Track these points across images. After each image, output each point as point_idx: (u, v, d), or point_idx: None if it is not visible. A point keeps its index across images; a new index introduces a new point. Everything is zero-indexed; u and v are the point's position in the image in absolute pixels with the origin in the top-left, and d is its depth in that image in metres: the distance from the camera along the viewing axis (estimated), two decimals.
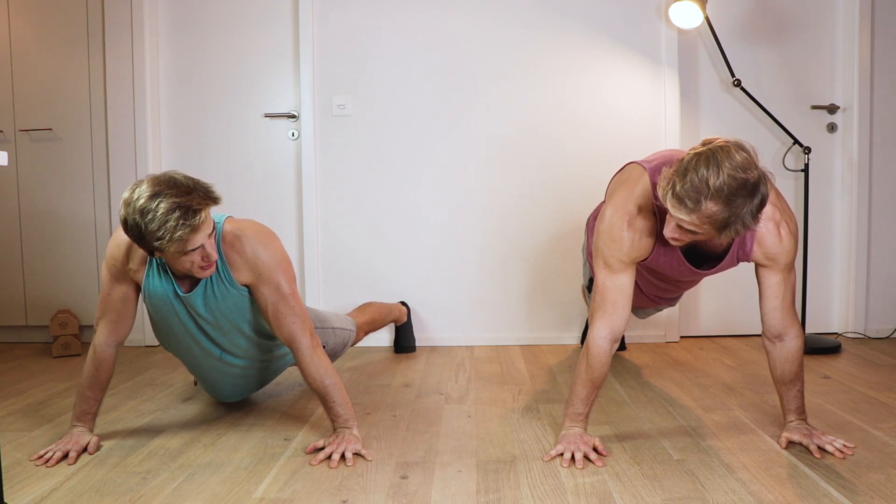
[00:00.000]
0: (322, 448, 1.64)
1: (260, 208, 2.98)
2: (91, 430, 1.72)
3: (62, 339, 2.78)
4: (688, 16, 2.70)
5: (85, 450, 1.66)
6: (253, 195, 2.98)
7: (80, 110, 2.95)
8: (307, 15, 2.87)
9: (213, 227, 1.55)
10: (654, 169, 1.56)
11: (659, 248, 1.60)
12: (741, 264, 1.83)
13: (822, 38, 2.96)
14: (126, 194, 1.46)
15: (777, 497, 1.37)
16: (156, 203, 1.41)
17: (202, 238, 1.50)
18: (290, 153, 2.97)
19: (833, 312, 3.03)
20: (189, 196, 1.44)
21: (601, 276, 1.61)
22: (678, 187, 1.29)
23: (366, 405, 2.06)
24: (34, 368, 2.58)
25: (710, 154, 1.30)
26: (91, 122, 2.95)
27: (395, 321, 2.76)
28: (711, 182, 1.26)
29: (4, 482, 1.49)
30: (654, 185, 1.53)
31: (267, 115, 2.96)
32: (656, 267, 1.68)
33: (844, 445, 1.59)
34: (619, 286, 1.59)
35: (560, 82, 2.90)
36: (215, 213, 1.66)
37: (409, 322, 2.83)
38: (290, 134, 2.96)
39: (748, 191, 1.30)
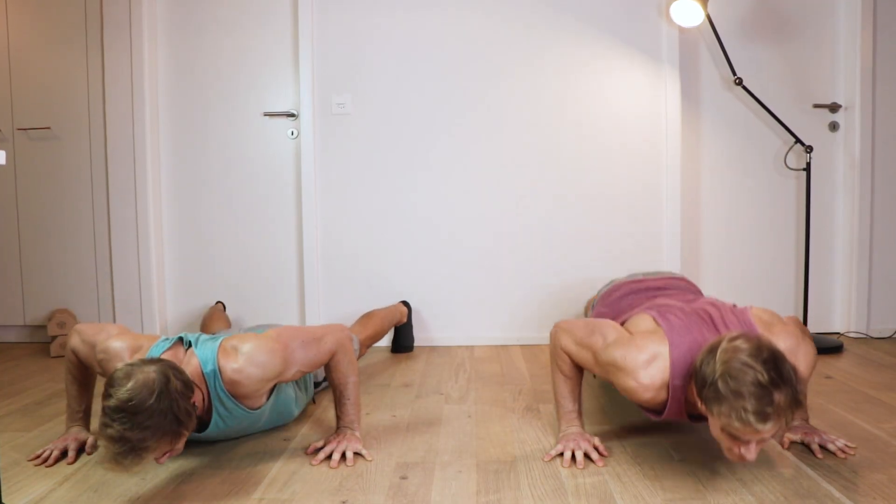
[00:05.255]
0: (322, 448, 1.63)
1: (259, 207, 2.97)
2: (87, 429, 1.72)
3: (60, 338, 2.77)
4: (689, 14, 2.69)
5: (83, 449, 1.65)
6: (252, 194, 2.97)
7: (79, 109, 2.94)
8: (306, 13, 2.86)
9: (185, 432, 1.38)
10: (676, 348, 1.45)
11: (670, 412, 1.50)
12: None
13: (824, 36, 2.95)
14: (116, 373, 1.35)
15: (778, 497, 1.36)
16: (112, 419, 1.28)
17: (152, 458, 1.36)
18: (289, 152, 2.96)
19: (835, 312, 3.02)
20: (140, 432, 1.28)
21: (599, 343, 1.54)
22: (750, 406, 1.22)
23: (365, 405, 2.05)
24: (32, 368, 2.57)
25: (730, 359, 1.26)
26: (89, 121, 2.94)
27: (396, 324, 2.74)
28: (762, 379, 1.23)
29: (3, 483, 1.48)
30: (673, 369, 1.44)
31: (266, 114, 2.95)
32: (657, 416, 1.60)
33: (846, 445, 1.58)
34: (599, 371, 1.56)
35: (560, 81, 2.89)
36: (203, 345, 1.56)
37: (409, 322, 2.82)
38: (290, 133, 2.95)
39: (780, 357, 1.28)
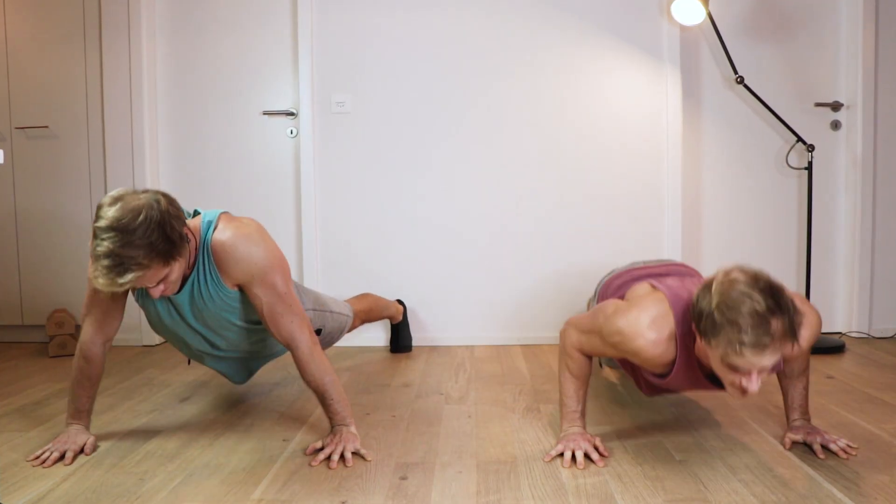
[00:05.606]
0: (321, 449, 1.62)
1: (258, 207, 2.96)
2: (87, 429, 1.71)
3: (58, 338, 2.76)
4: (690, 12, 2.68)
5: (82, 450, 1.64)
6: (251, 193, 2.96)
7: (77, 108, 2.93)
8: (306, 11, 2.85)
9: (173, 262, 1.40)
10: (676, 299, 1.46)
11: (679, 373, 1.49)
12: None
13: (826, 34, 2.94)
14: (104, 199, 1.37)
15: (780, 498, 1.35)
16: (102, 237, 1.29)
17: (140, 283, 1.37)
18: (288, 151, 2.95)
19: (837, 312, 3.01)
20: (131, 250, 1.29)
21: (596, 335, 1.54)
22: (747, 338, 1.22)
23: (365, 405, 2.05)
24: (30, 368, 2.57)
25: (727, 289, 1.26)
26: (88, 120, 2.93)
27: (391, 318, 2.73)
28: (759, 308, 1.22)
29: (0, 483, 1.48)
30: (676, 319, 1.44)
31: (265, 113, 2.94)
32: (668, 386, 1.58)
33: (848, 445, 1.58)
34: (609, 352, 1.55)
35: (561, 80, 2.88)
36: (210, 209, 1.63)
37: (405, 321, 2.81)
38: (289, 132, 2.95)
39: (779, 288, 1.27)
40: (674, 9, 2.71)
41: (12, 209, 2.99)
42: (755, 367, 1.25)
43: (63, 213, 2.97)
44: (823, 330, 3.01)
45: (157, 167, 2.96)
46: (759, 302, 1.23)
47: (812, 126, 2.94)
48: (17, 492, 1.44)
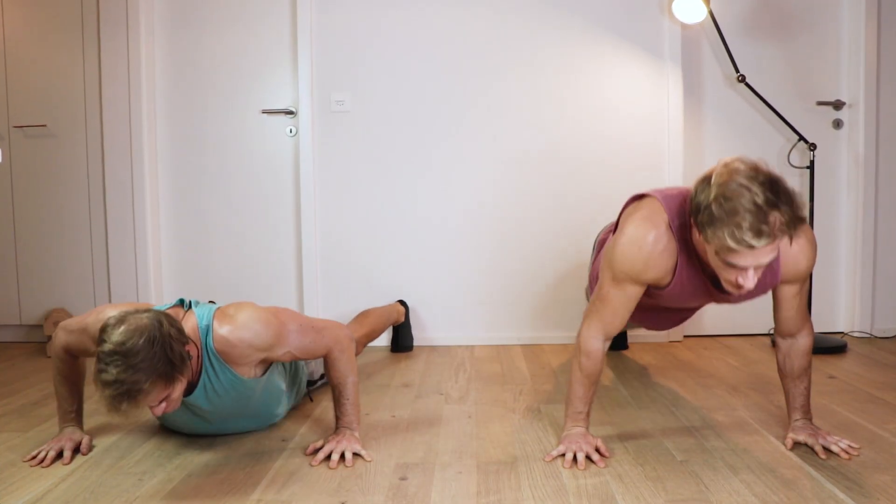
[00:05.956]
0: (321, 448, 1.62)
1: (257, 206, 2.95)
2: (81, 428, 1.70)
3: None
4: (691, 10, 2.67)
5: (78, 448, 1.64)
6: (250, 193, 2.95)
7: (75, 106, 2.92)
8: (305, 9, 2.84)
9: (176, 382, 1.39)
10: (667, 198, 1.48)
11: (682, 275, 1.49)
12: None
13: (828, 32, 2.92)
14: (108, 320, 1.35)
15: (782, 498, 1.35)
16: (107, 363, 1.29)
17: (143, 404, 1.35)
18: (287, 150, 2.94)
19: (839, 311, 3.00)
20: (135, 374, 1.29)
21: (607, 285, 1.55)
22: (745, 224, 1.19)
23: (365, 405, 2.04)
24: (28, 368, 2.56)
25: (726, 181, 1.23)
26: (86, 119, 2.92)
27: (393, 323, 2.72)
28: (758, 200, 1.19)
29: None
30: (670, 213, 1.45)
31: (264, 112, 2.93)
32: (672, 297, 1.58)
33: (850, 446, 1.57)
34: (623, 298, 1.54)
35: (561, 79, 2.87)
36: (201, 304, 1.59)
37: (407, 321, 2.80)
38: (288, 130, 2.94)
39: (779, 180, 1.25)
40: (675, 7, 2.70)
41: (10, 208, 2.98)
42: (751, 262, 1.22)
43: (61, 212, 2.96)
44: (825, 329, 3.00)
45: (155, 165, 2.95)
46: (758, 194, 1.20)
47: (814, 125, 2.93)
48: (15, 492, 1.43)
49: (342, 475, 1.51)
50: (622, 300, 1.55)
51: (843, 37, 2.92)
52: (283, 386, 1.81)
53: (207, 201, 2.96)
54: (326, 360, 1.67)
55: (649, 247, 1.45)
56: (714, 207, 1.24)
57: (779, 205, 1.21)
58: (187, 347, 1.42)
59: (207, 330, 1.53)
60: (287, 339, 1.59)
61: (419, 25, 2.87)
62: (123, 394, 1.29)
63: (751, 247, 1.20)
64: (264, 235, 2.96)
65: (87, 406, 1.82)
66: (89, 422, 1.83)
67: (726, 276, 1.27)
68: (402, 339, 2.79)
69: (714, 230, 1.24)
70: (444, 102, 2.88)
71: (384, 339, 2.90)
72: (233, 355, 1.55)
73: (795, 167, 2.92)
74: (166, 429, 1.83)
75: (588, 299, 2.46)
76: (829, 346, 2.63)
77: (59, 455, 1.61)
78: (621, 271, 1.51)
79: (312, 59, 2.87)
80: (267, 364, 1.65)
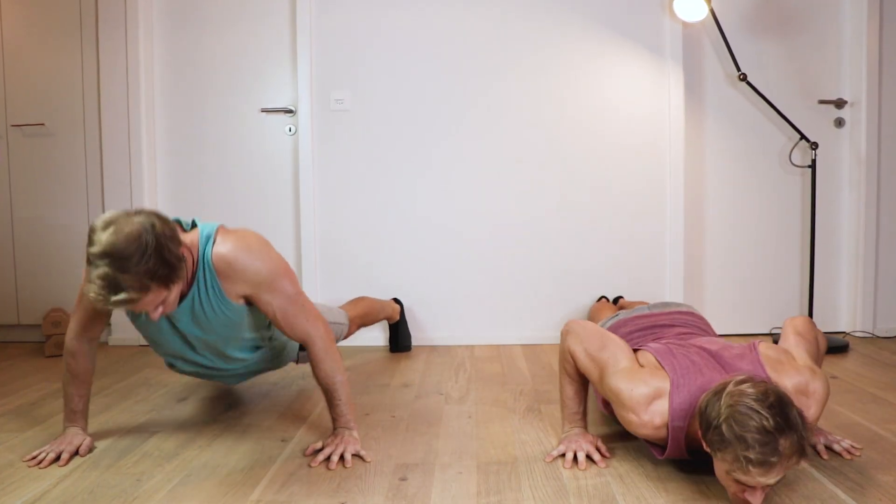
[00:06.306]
0: (321, 449, 1.61)
1: (257, 205, 2.95)
2: (84, 430, 1.70)
3: (55, 338, 2.75)
4: (692, 8, 2.66)
5: (77, 452, 1.63)
6: (250, 191, 2.94)
7: (74, 105, 2.92)
8: (305, 7, 2.83)
9: (172, 285, 1.37)
10: (682, 398, 1.42)
11: (671, 452, 1.47)
12: None
13: (830, 31, 2.91)
14: (95, 222, 1.33)
15: (783, 499, 1.34)
16: (96, 261, 1.27)
17: (138, 308, 1.34)
18: (287, 149, 2.94)
19: (841, 311, 2.99)
20: (125, 272, 1.27)
21: (609, 364, 1.51)
22: (754, 455, 1.20)
23: (364, 406, 2.03)
24: (26, 368, 2.55)
25: (736, 402, 1.23)
26: (84, 118, 2.92)
27: (388, 318, 2.70)
28: (767, 425, 1.20)
29: None
30: (674, 407, 1.42)
31: (264, 110, 2.92)
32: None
33: (852, 446, 1.57)
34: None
35: (562, 77, 2.86)
36: (207, 221, 1.60)
37: (403, 320, 2.79)
38: (288, 129, 2.93)
39: (789, 403, 1.24)
40: (676, 5, 2.69)
41: (8, 207, 2.98)
42: (759, 485, 1.24)
43: (60, 211, 2.96)
44: (827, 329, 2.99)
45: (154, 164, 2.94)
46: (768, 419, 1.21)
47: (815, 123, 2.92)
48: (13, 493, 1.43)
49: (342, 475, 1.50)
50: (595, 385, 1.55)
51: (844, 35, 2.91)
52: (266, 334, 1.78)
53: (206, 200, 2.96)
54: (310, 358, 1.65)
55: (636, 422, 1.43)
56: (724, 429, 1.24)
57: (788, 430, 1.22)
58: (182, 250, 1.39)
59: (208, 240, 1.51)
60: (278, 288, 1.57)
61: (419, 25, 2.86)
62: (114, 286, 1.27)
63: (760, 473, 1.22)
64: (263, 234, 2.95)
65: (90, 407, 1.81)
66: (90, 422, 1.82)
67: (734, 489, 1.28)
68: (400, 339, 2.78)
69: (724, 453, 1.24)
70: (444, 102, 2.87)
71: (383, 340, 2.89)
72: (226, 273, 1.53)
73: (797, 166, 2.91)
74: (166, 429, 1.82)
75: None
76: (831, 346, 2.62)
77: (58, 457, 1.60)
78: (605, 389, 1.49)
79: (312, 57, 2.86)
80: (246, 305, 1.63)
